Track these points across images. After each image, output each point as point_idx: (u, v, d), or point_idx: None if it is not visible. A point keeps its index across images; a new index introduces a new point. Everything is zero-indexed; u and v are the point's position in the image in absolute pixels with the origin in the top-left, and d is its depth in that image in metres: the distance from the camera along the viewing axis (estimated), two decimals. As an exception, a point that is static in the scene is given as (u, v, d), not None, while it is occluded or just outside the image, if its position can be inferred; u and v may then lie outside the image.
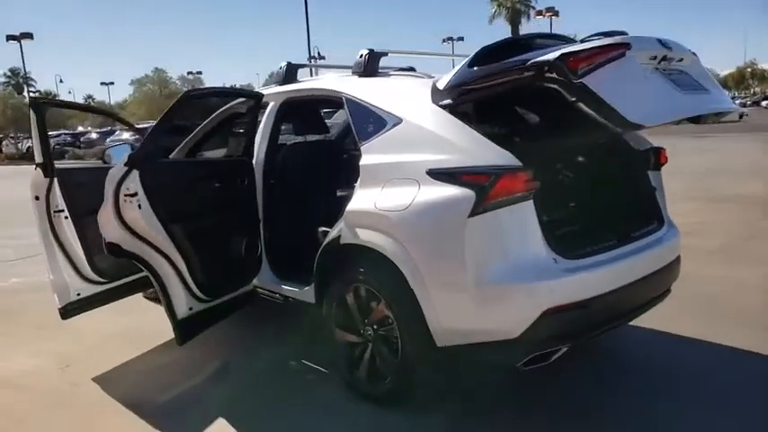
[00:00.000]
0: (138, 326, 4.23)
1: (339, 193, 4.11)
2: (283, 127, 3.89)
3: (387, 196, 2.77)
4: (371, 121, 3.00)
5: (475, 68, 2.68)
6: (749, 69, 79.41)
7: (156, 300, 4.63)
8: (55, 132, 36.11)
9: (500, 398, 2.97)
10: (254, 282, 3.65)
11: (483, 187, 2.47)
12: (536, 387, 3.02)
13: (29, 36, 32.68)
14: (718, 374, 3.11)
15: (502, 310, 2.50)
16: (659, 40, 2.61)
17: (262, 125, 3.65)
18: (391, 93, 3.08)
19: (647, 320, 3.21)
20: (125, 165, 2.86)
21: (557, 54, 2.37)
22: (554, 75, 2.36)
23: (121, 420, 2.97)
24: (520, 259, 2.48)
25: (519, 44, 2.82)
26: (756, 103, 58.08)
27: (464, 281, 2.52)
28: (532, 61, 2.43)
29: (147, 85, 42.32)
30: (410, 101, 2.93)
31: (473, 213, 2.47)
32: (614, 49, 2.41)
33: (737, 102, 63.27)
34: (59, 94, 65.27)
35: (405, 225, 2.66)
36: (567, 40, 2.92)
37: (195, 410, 3.04)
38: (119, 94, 76.91)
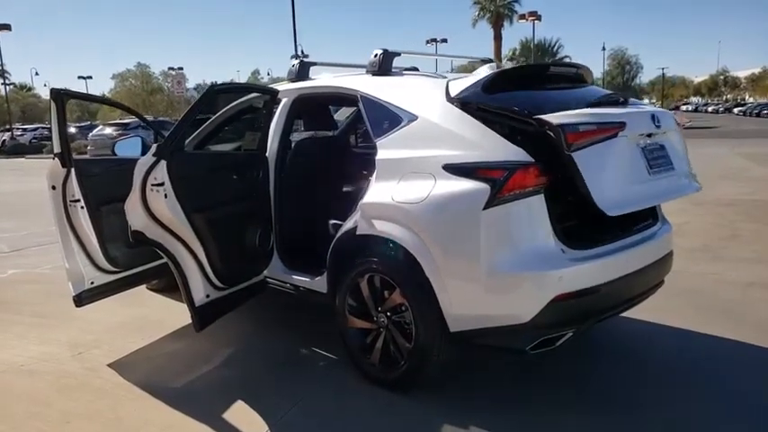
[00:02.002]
0: (143, 315, 4.32)
1: (345, 189, 4.26)
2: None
3: (403, 189, 2.92)
4: (387, 118, 3.15)
5: (488, 96, 2.89)
6: (722, 77, 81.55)
7: (160, 291, 4.75)
8: (32, 126, 35.58)
9: (505, 380, 3.14)
10: (265, 272, 3.76)
11: (497, 181, 2.64)
12: (538, 372, 3.21)
13: (7, 27, 31.96)
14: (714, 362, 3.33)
15: (513, 297, 2.67)
16: (653, 117, 2.98)
17: (275, 120, 3.77)
18: (406, 91, 3.23)
19: (638, 312, 3.41)
20: (153, 155, 2.96)
21: (559, 122, 2.62)
22: (552, 135, 2.62)
23: (145, 404, 3.07)
24: (530, 249, 2.66)
25: (534, 74, 3.06)
26: (728, 110, 59.65)
27: (477, 270, 2.68)
28: (536, 117, 2.67)
29: (130, 80, 41.94)
30: (425, 98, 3.09)
31: (487, 206, 2.64)
32: (611, 130, 2.73)
33: (710, 108, 65.08)
34: (35, 87, 64.36)
35: (421, 217, 2.81)
36: (579, 67, 3.35)
37: (213, 394, 3.15)
38: (97, 88, 75.71)
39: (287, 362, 3.50)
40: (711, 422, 2.74)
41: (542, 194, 2.66)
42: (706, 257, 5.46)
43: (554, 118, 2.64)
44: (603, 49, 57.33)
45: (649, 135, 2.96)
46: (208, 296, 3.36)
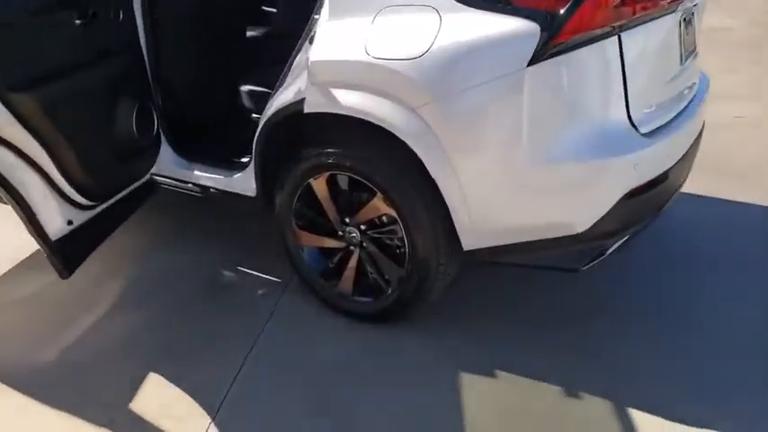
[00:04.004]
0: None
1: (250, 33, 2.97)
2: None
3: (384, 35, 1.79)
4: None
5: None
6: None
7: None
8: None
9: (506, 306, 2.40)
10: (153, 169, 2.55)
11: (554, 17, 1.61)
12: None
13: None
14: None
15: (568, 197, 1.79)
16: None
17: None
18: None
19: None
20: None
21: None
22: None
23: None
24: (599, 126, 1.73)
25: None
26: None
27: (514, 160, 1.74)
28: None
29: None
30: None
31: (535, 59, 1.63)
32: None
33: None
34: None
35: (421, 82, 1.74)
36: None
37: (124, 351, 2.11)
38: None
39: (212, 293, 2.47)
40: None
41: (618, 38, 1.69)
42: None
43: None
44: None
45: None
46: (70, 222, 2.15)
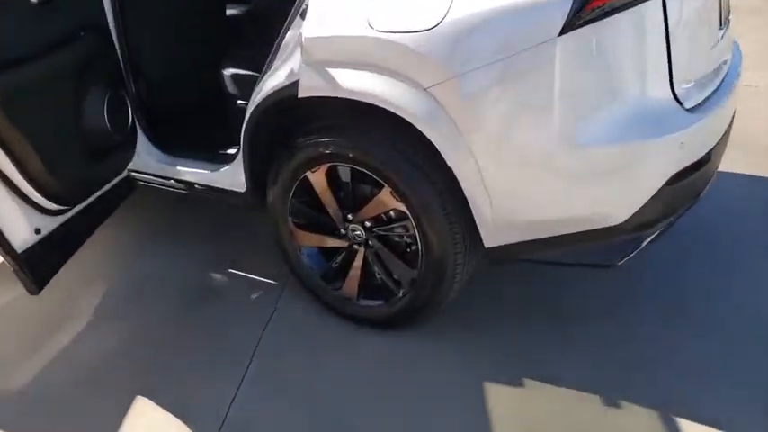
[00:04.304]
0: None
1: (230, 11, 2.72)
2: None
3: (390, 6, 1.56)
4: None
5: None
6: None
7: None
8: None
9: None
10: (130, 165, 2.30)
11: (590, -22, 1.38)
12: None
13: None
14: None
15: (608, 184, 1.57)
16: None
17: None
18: None
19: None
20: None
21: None
22: None
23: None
24: (641, 102, 1.51)
25: None
26: None
27: (546, 143, 1.52)
28: None
29: None
30: None
31: (568, 27, 1.40)
32: None
33: None
34: None
35: (434, 58, 1.50)
36: None
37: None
38: None
39: (201, 302, 2.24)
40: None
41: (662, 1, 1.47)
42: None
43: None
44: None
45: None
46: (38, 231, 1.90)
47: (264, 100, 1.83)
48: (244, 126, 1.94)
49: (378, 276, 1.95)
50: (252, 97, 1.90)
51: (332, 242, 1.99)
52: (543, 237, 1.67)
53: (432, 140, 1.59)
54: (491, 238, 1.70)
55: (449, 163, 1.60)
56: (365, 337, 1.98)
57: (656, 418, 1.64)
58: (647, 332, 1.93)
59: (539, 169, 1.56)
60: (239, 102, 2.16)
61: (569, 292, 2.12)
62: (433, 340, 1.95)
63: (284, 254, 2.09)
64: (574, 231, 1.64)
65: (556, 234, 1.65)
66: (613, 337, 1.92)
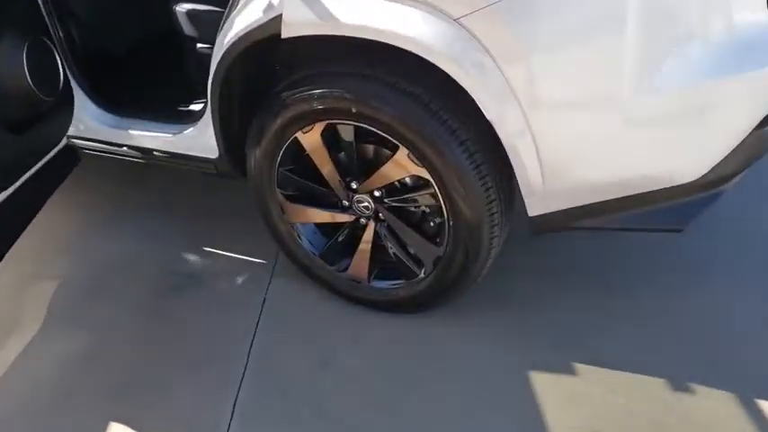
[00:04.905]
0: None
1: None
2: None
3: None
4: None
5: None
6: None
7: None
8: None
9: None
10: (70, 131, 1.86)
11: None
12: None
13: None
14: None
15: (690, 131, 1.24)
16: None
17: None
18: None
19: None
20: None
21: None
22: None
23: None
24: (734, 28, 1.16)
25: None
26: None
27: (617, 85, 1.17)
28: None
29: None
30: None
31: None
32: None
33: None
34: None
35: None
36: None
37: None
38: None
39: (179, 284, 1.88)
40: None
41: None
42: None
43: None
44: None
45: None
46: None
47: (235, 43, 1.41)
48: (210, 77, 1.53)
49: (391, 252, 1.62)
50: (218, 40, 1.48)
51: (333, 217, 1.64)
52: (599, 200, 1.35)
53: (466, 88, 1.22)
54: (537, 204, 1.37)
55: (488, 116, 1.24)
56: (373, 321, 1.67)
57: (738, 404, 1.41)
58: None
59: (602, 117, 1.22)
60: (200, 46, 1.72)
61: (598, 261, 1.84)
62: (449, 323, 1.65)
63: (273, 231, 1.73)
64: (636, 192, 1.32)
65: (615, 197, 1.34)
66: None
